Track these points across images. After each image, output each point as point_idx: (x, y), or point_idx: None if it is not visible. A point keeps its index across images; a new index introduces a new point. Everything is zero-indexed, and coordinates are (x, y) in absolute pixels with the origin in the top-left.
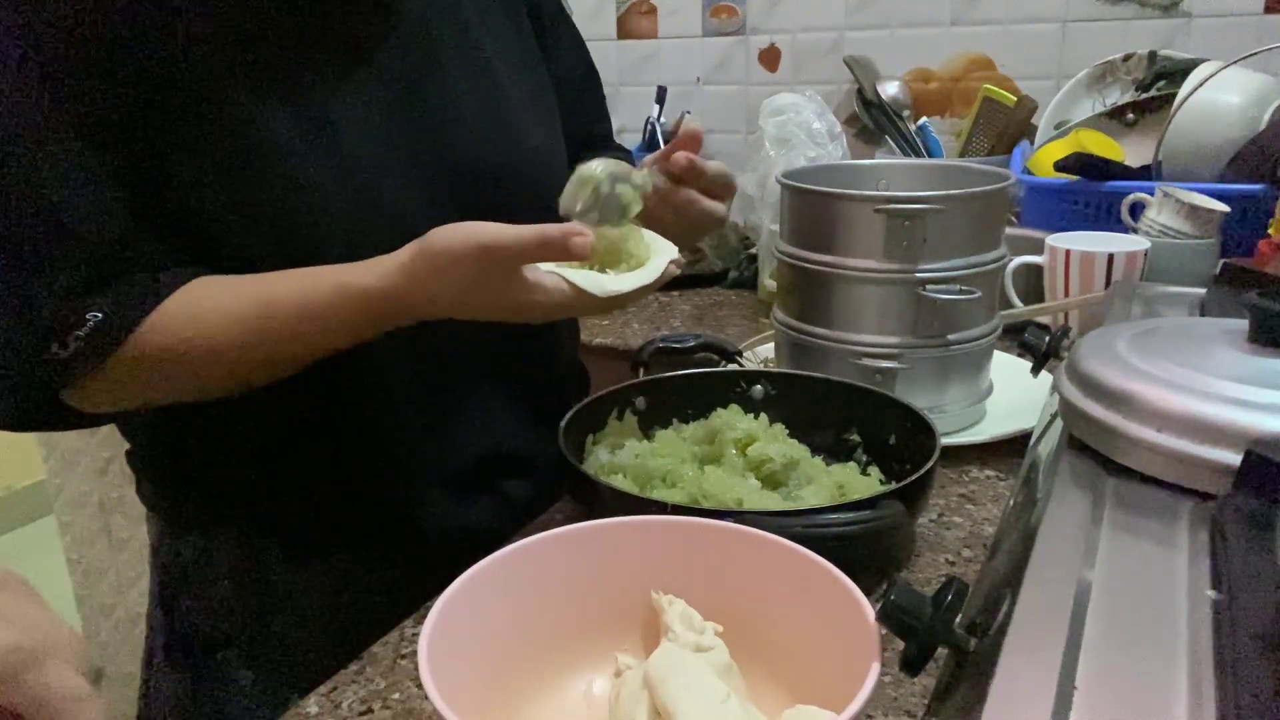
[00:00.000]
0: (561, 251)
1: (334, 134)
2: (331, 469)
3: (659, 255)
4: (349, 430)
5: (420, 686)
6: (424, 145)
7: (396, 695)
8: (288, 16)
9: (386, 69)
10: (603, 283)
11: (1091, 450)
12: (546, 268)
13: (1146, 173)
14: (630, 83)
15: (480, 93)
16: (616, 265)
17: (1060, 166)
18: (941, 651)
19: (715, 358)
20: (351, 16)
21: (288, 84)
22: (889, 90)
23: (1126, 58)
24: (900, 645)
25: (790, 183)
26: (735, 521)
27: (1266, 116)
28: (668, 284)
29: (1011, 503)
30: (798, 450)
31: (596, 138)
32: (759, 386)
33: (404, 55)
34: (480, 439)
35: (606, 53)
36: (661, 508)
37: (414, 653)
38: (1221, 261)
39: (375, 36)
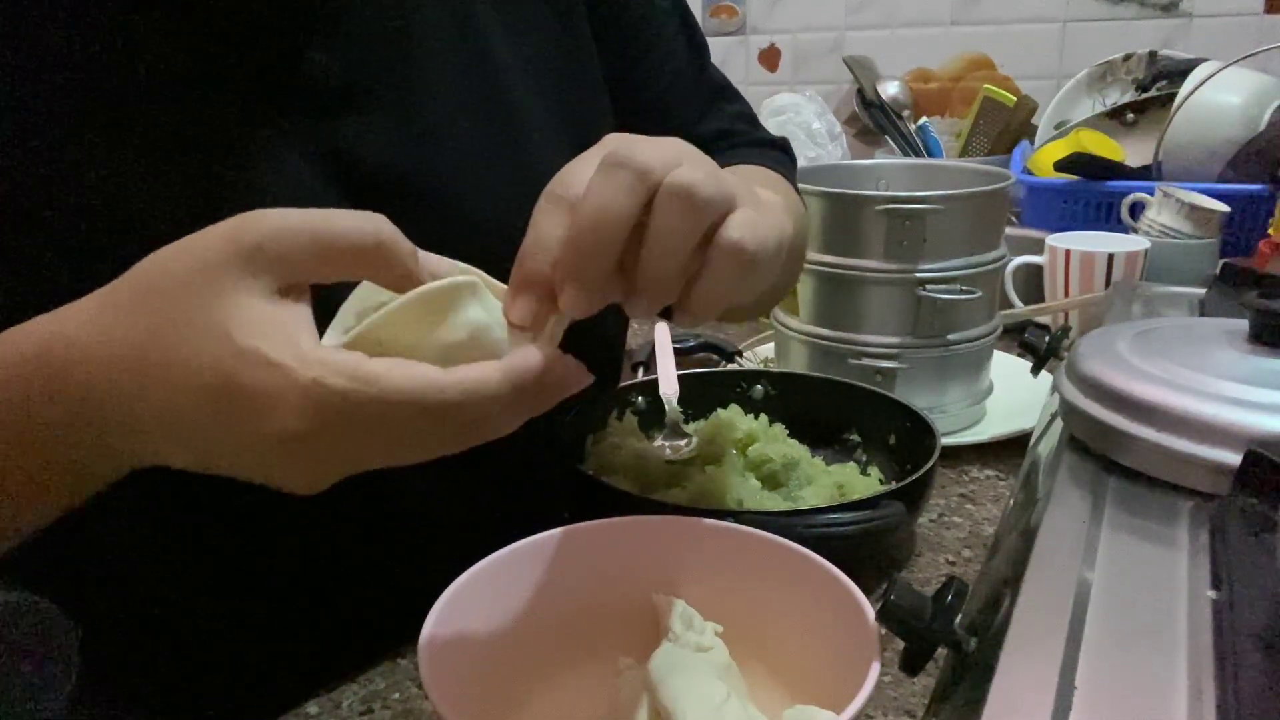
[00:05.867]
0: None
1: (239, 174)
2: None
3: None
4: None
5: (420, 686)
6: (379, 196)
7: (396, 695)
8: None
9: (321, 79)
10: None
11: (1091, 450)
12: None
13: (1146, 173)
14: None
15: (485, 125)
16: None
17: (1060, 166)
18: (941, 651)
19: (715, 358)
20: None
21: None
22: (889, 90)
23: (1126, 58)
24: (900, 645)
25: None
26: (735, 521)
27: (1266, 116)
28: None
29: (1011, 503)
30: (798, 450)
31: (702, 140)
32: (759, 386)
33: (348, 62)
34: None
35: None
36: (661, 508)
37: (414, 653)
38: (1221, 261)
39: (301, 33)
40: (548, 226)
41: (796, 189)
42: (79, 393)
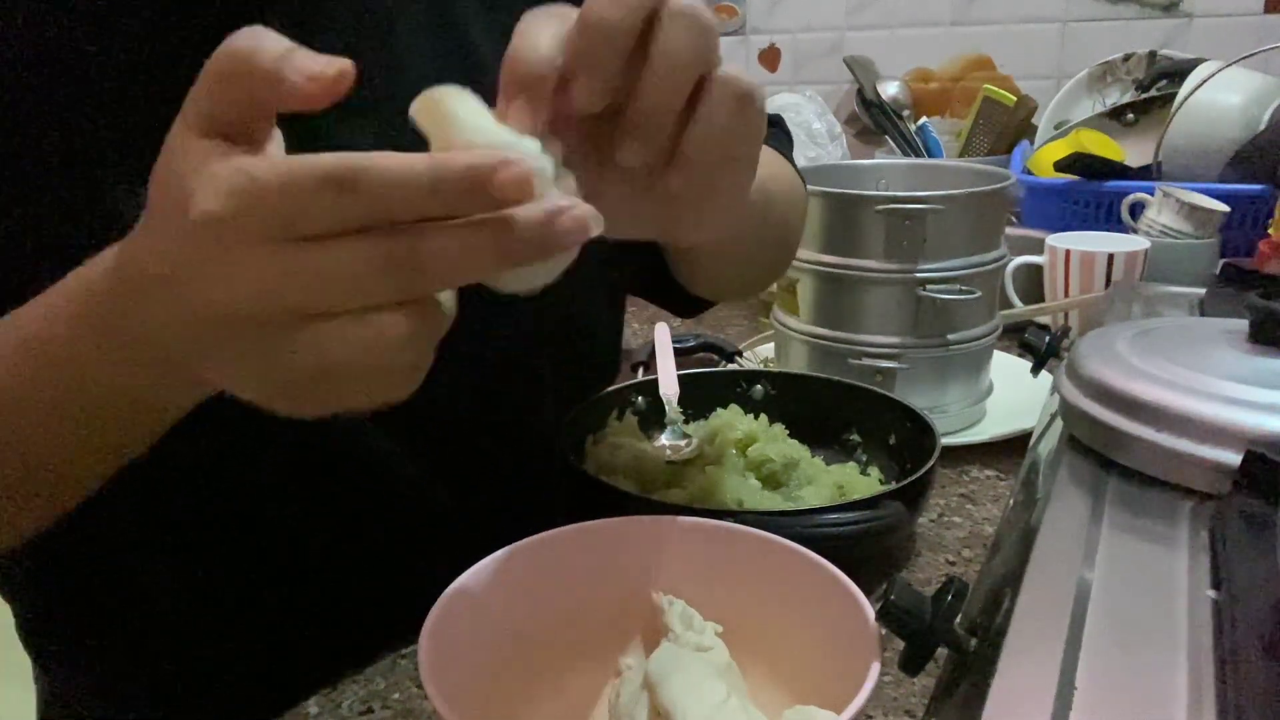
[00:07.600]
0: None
1: None
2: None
3: None
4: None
5: (420, 686)
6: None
7: (396, 695)
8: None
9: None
10: None
11: (1091, 450)
12: None
13: (1146, 173)
14: None
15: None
16: None
17: (1060, 166)
18: (941, 651)
19: (715, 358)
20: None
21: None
22: (889, 90)
23: (1126, 58)
24: (900, 645)
25: None
26: (735, 521)
27: (1266, 116)
28: None
29: (1011, 503)
30: (798, 450)
31: None
32: (759, 386)
33: (329, 54)
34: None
35: None
36: (662, 508)
37: (414, 653)
38: (1221, 261)
39: (281, 25)
40: (540, 30)
41: (794, 165)
42: (125, 326)
